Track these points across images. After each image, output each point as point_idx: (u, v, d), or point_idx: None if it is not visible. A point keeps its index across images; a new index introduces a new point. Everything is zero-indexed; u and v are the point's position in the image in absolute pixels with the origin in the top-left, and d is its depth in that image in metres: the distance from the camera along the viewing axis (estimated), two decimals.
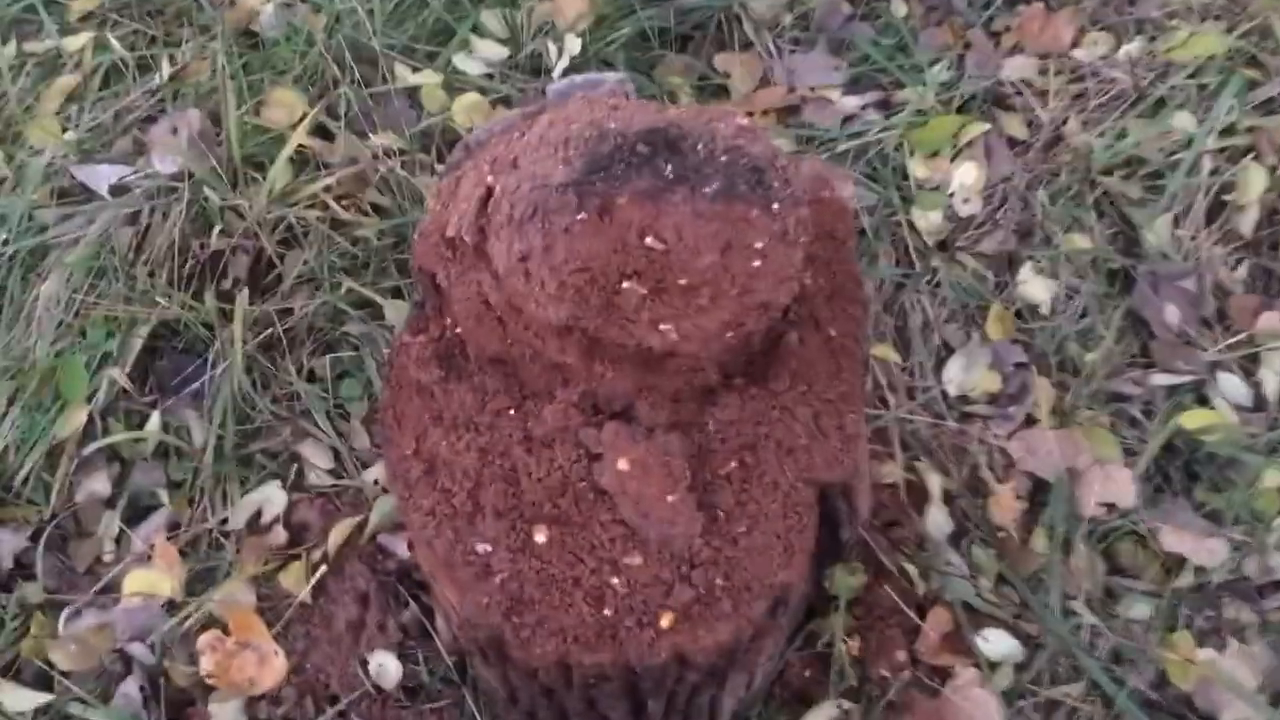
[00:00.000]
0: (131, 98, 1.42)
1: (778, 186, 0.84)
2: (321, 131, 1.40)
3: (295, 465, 1.30)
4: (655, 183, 0.81)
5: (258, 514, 1.28)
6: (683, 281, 0.82)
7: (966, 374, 1.36)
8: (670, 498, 0.87)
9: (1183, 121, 1.45)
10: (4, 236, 1.36)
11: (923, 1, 1.57)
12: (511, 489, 0.89)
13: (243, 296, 1.32)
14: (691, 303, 0.82)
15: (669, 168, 0.82)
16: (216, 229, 1.33)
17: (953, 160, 1.48)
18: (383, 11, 1.44)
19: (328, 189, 1.35)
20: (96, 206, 1.36)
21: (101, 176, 1.36)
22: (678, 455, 0.88)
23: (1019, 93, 1.51)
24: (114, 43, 1.45)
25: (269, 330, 1.32)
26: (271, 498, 1.29)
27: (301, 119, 1.37)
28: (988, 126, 1.48)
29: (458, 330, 0.94)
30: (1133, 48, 1.52)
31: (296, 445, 1.30)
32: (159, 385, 1.33)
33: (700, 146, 0.84)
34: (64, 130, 1.43)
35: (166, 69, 1.44)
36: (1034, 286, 1.41)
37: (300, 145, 1.37)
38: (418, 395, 0.95)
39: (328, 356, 1.32)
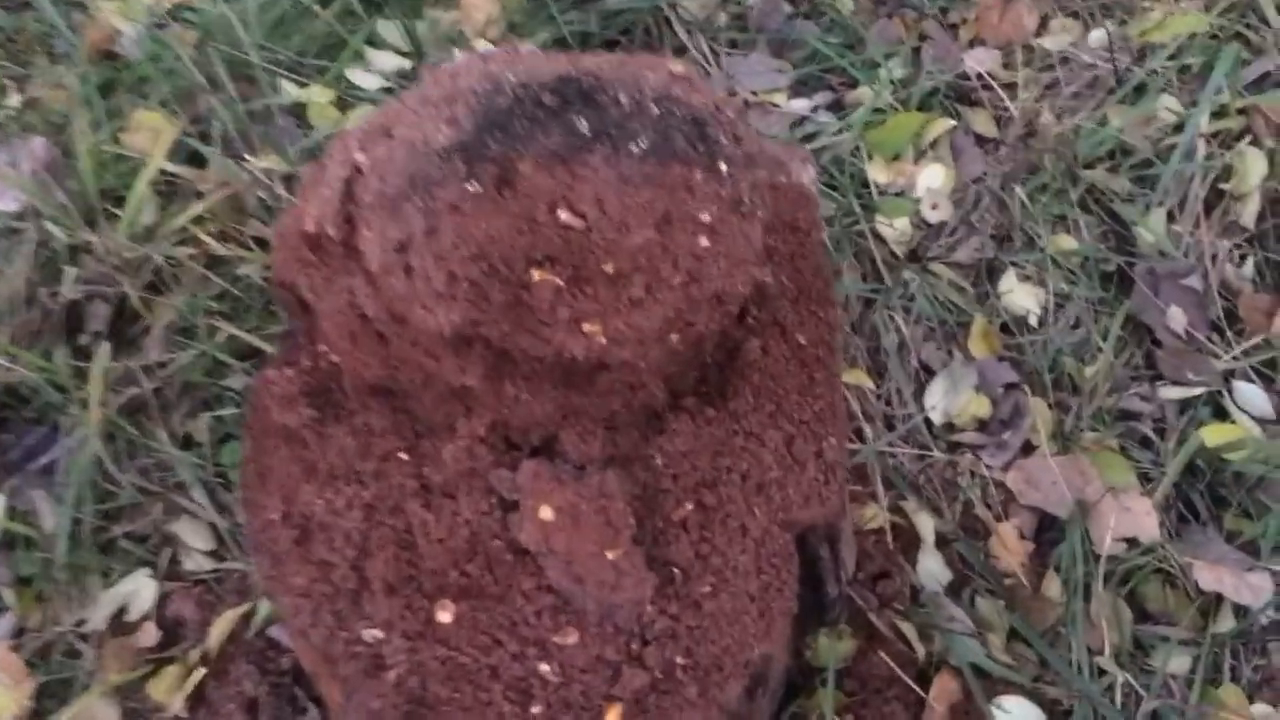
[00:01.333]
0: None
1: (725, 143, 0.66)
2: (195, 158, 1.20)
3: (168, 549, 1.08)
4: (568, 141, 0.63)
5: (122, 611, 1.06)
6: (609, 268, 0.63)
7: (951, 398, 1.18)
8: (611, 554, 0.68)
9: (1168, 106, 1.30)
10: None
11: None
12: (406, 555, 0.69)
13: (102, 352, 1.11)
14: (622, 295, 0.63)
15: (584, 123, 0.64)
16: (70, 274, 1.13)
17: (916, 162, 1.31)
18: (263, 23, 1.26)
19: (199, 220, 1.15)
20: None
21: None
22: (617, 498, 0.68)
23: (985, 86, 1.36)
24: None
25: (133, 390, 1.11)
26: (139, 590, 1.07)
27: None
28: (953, 123, 1.33)
29: (333, 358, 0.74)
30: (1103, 33, 1.38)
31: (169, 525, 1.09)
32: (1, 462, 1.11)
33: (623, 98, 0.66)
34: None
35: (15, 100, 1.24)
36: (1019, 295, 1.24)
37: (169, 174, 1.18)
38: (285, 444, 0.74)
39: (205, 417, 1.11)
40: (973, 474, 1.15)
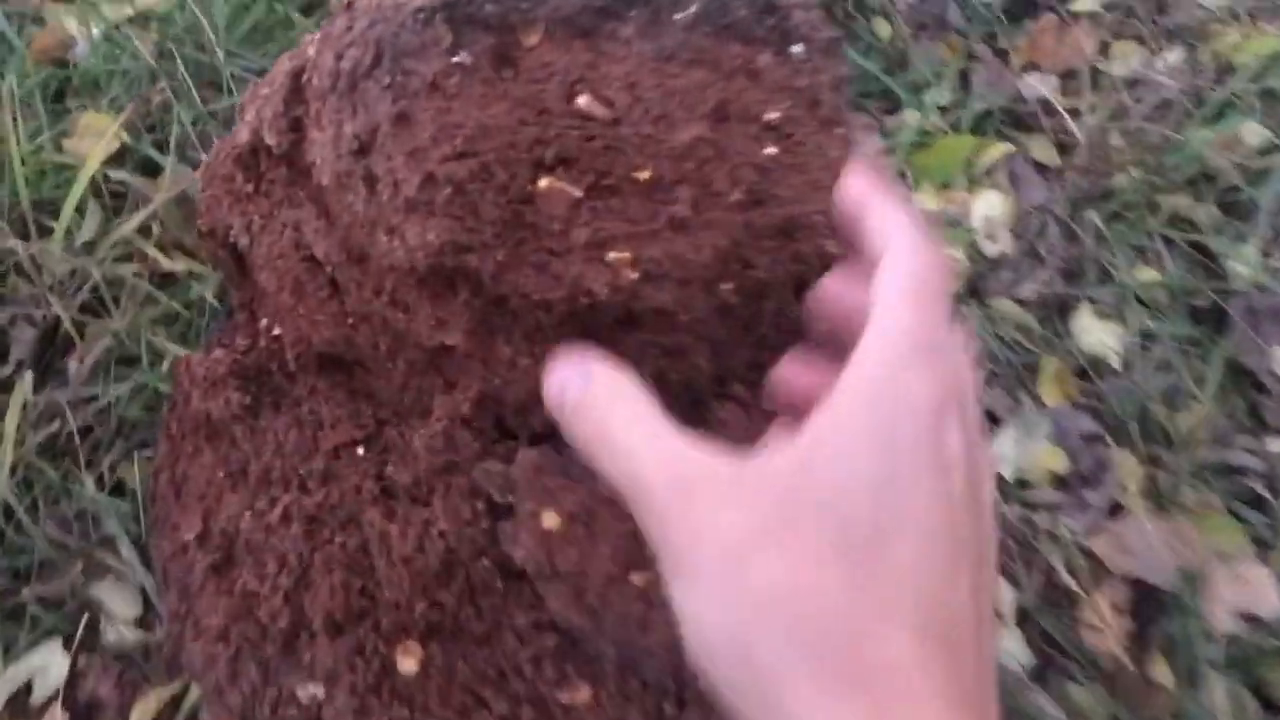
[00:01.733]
0: None
1: (801, 21, 0.50)
2: (148, 167, 1.05)
3: (85, 616, 0.89)
4: (590, 3, 0.47)
5: (26, 690, 0.86)
6: (643, 174, 0.46)
7: (1023, 450, 1.01)
8: (637, 578, 0.49)
9: (1251, 130, 1.15)
10: None
11: (910, 20, 1.28)
12: (359, 582, 0.51)
13: (24, 383, 0.94)
14: (660, 213, 0.46)
15: None
16: None
17: (969, 190, 1.16)
18: (235, 30, 1.12)
19: (146, 232, 0.98)
20: None
21: None
22: None
23: (1046, 111, 1.21)
24: None
25: (56, 426, 0.93)
26: (48, 665, 0.87)
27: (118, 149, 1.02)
28: (1010, 148, 1.18)
29: (275, 332, 0.57)
30: (1173, 56, 1.24)
31: (89, 588, 0.90)
32: None
33: None
34: None
35: None
36: (1096, 334, 1.07)
37: (116, 183, 1.02)
38: (208, 444, 0.56)
39: (139, 457, 0.93)
40: (1052, 537, 0.97)
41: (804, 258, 0.51)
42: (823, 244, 0.51)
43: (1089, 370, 1.06)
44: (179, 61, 1.07)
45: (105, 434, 0.95)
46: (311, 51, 0.51)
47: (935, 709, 0.32)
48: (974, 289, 1.10)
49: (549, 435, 0.50)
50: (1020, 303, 1.09)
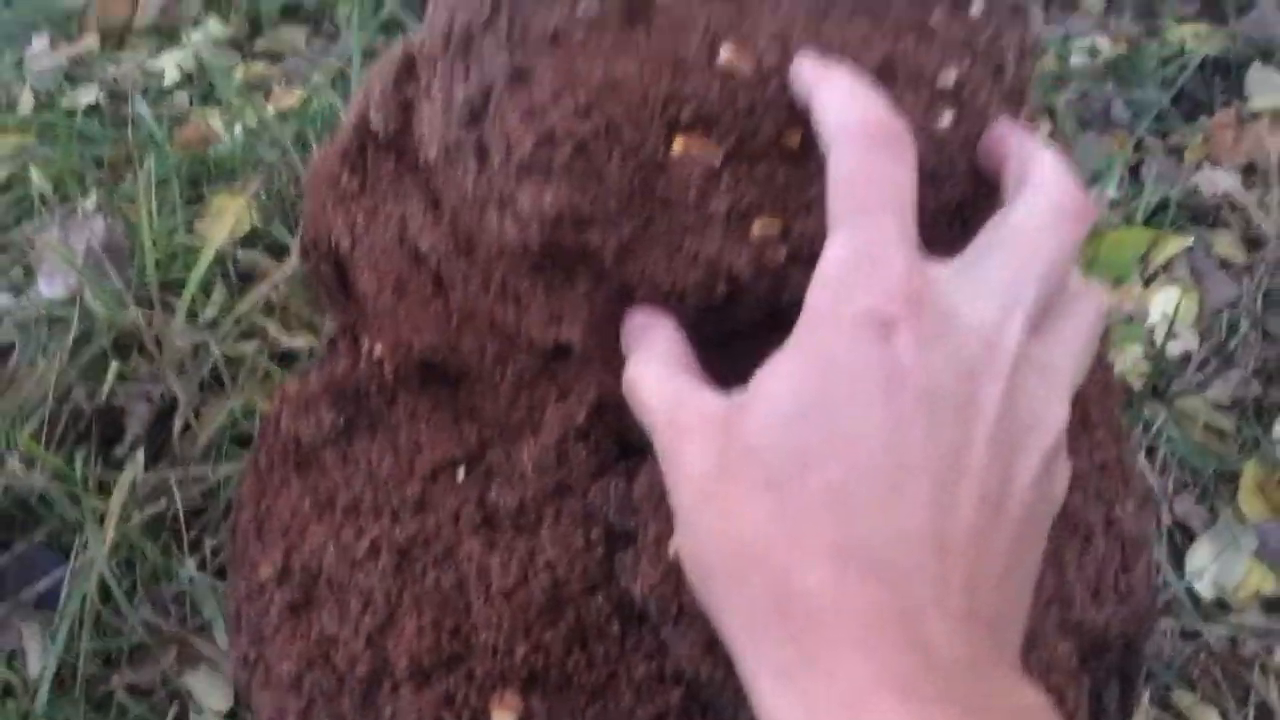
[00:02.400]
0: (37, 224, 1.08)
1: None
2: (276, 249, 1.03)
3: (175, 706, 0.83)
4: None
5: None
6: (792, 140, 0.39)
7: (1224, 568, 0.88)
8: None
9: None
10: None
11: (1073, 117, 1.21)
12: (451, 621, 0.43)
13: (134, 460, 0.91)
14: (813, 184, 0.39)
15: None
16: (112, 370, 0.94)
17: (1147, 285, 1.06)
18: None
19: (267, 309, 0.96)
20: None
21: None
22: None
23: (1230, 205, 1.11)
24: (34, 175, 1.13)
25: (163, 505, 0.89)
26: None
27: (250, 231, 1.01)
28: (1189, 242, 1.08)
29: (376, 352, 0.50)
30: None
31: (181, 676, 0.84)
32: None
33: None
34: None
35: (93, 200, 1.10)
36: None
37: (246, 264, 1.00)
38: (297, 474, 0.50)
39: None
40: (1262, 668, 0.83)
41: None
42: None
43: None
44: (314, 148, 1.06)
45: (213, 515, 0.91)
46: (416, 42, 0.46)
47: (852, 640, 0.31)
48: (1157, 389, 0.99)
49: None
50: (1213, 405, 0.98)
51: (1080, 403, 0.51)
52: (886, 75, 0.40)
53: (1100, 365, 0.56)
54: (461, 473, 0.46)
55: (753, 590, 0.32)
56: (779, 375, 0.34)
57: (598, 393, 0.42)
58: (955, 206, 0.41)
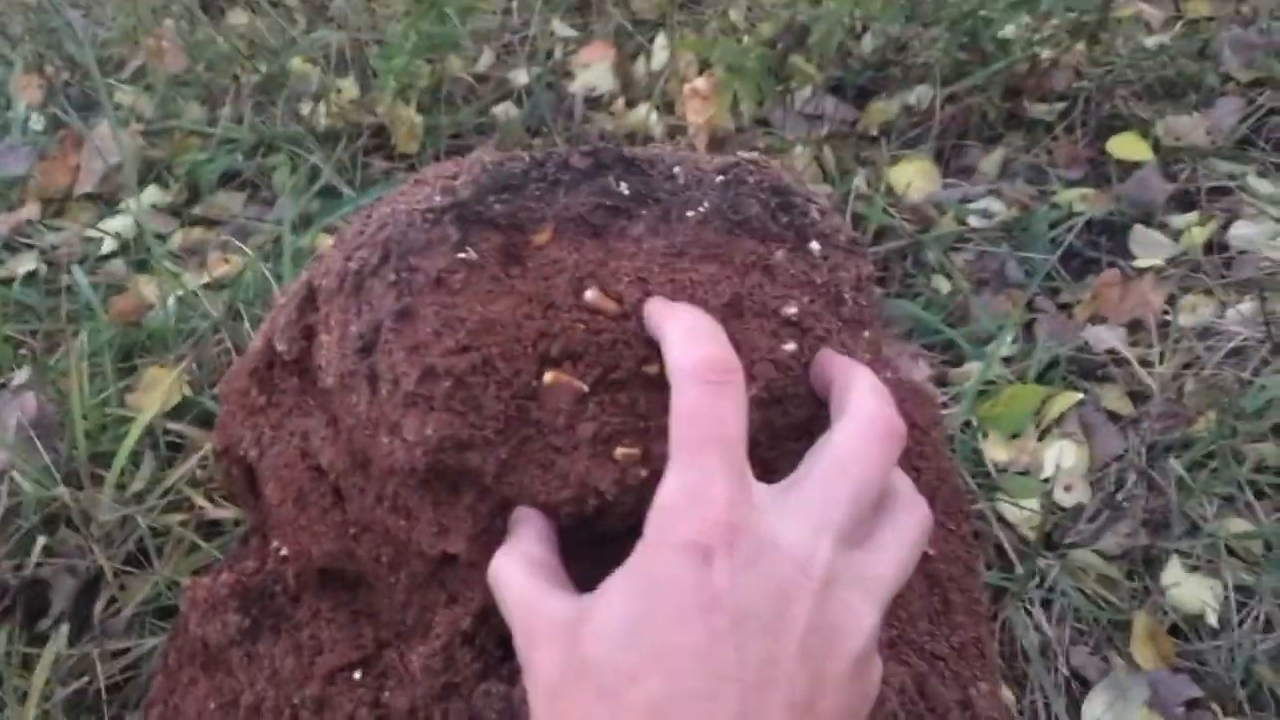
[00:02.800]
0: None
1: (817, 218, 0.49)
2: (206, 419, 1.06)
3: None
4: (600, 203, 0.46)
5: None
6: (653, 369, 0.44)
7: (1116, 717, 0.91)
8: None
9: None
10: None
11: (969, 277, 1.28)
12: None
13: (59, 636, 0.91)
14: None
15: (624, 186, 0.47)
16: (39, 544, 0.96)
17: (1040, 439, 1.12)
18: None
19: (194, 481, 0.98)
20: None
21: None
22: None
23: (1115, 361, 1.18)
24: None
25: (84, 680, 0.90)
26: None
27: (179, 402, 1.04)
28: (1080, 397, 1.14)
29: (283, 552, 0.54)
30: (1245, 307, 1.21)
31: None
32: None
33: (678, 168, 0.50)
34: None
35: (24, 373, 1.13)
36: (1190, 589, 0.99)
37: (174, 434, 1.03)
38: (203, 673, 0.53)
39: None
40: None
41: None
42: None
43: (1184, 629, 0.97)
44: (245, 321, 1.10)
45: (134, 691, 0.91)
46: (321, 266, 0.51)
47: None
48: (1051, 541, 1.03)
49: None
50: (1103, 556, 1.03)
51: (939, 587, 0.56)
52: (735, 310, 0.45)
53: (965, 546, 0.60)
54: (358, 674, 0.49)
55: None
56: (614, 593, 0.39)
57: (483, 599, 0.46)
58: (802, 424, 0.46)
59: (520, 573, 0.42)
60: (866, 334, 0.49)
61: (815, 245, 0.47)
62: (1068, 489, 1.07)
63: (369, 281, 0.45)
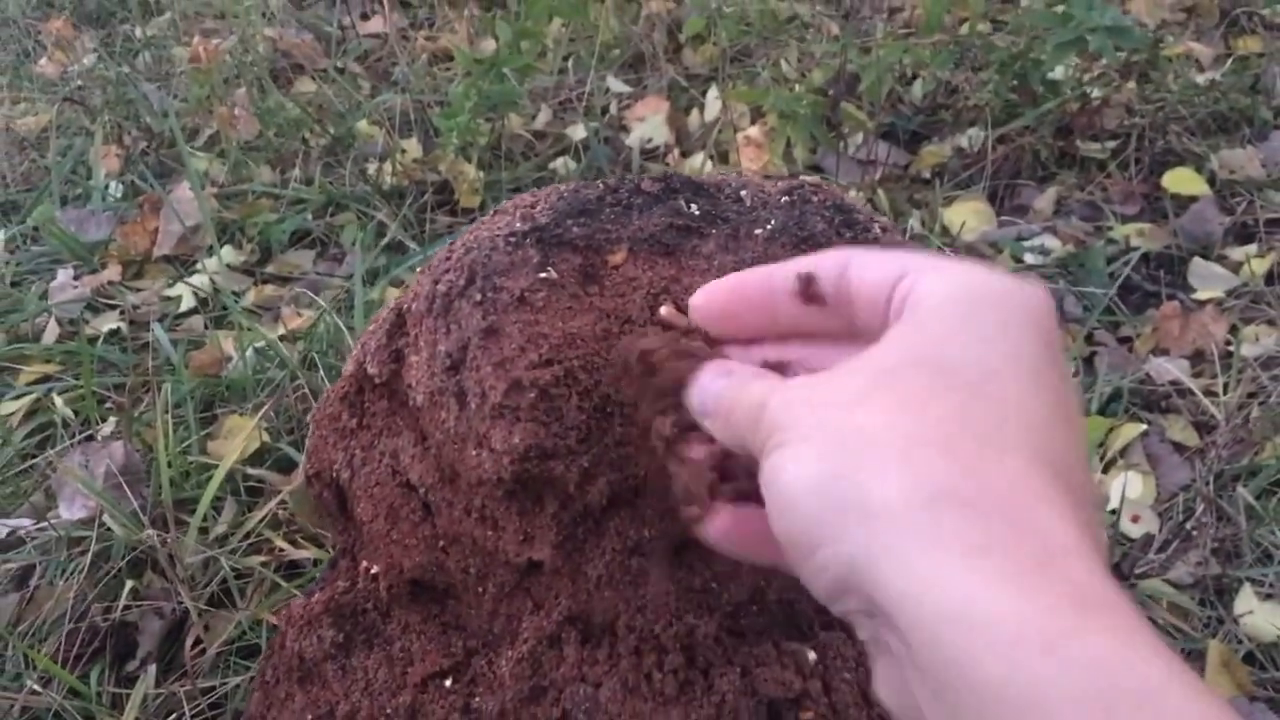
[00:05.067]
0: (59, 450, 1.15)
1: (879, 234, 0.51)
2: (284, 464, 1.09)
3: None
4: (673, 224, 0.49)
5: None
6: None
7: None
8: None
9: None
10: None
11: None
12: None
13: (146, 675, 0.95)
14: None
15: (694, 208, 0.50)
16: (127, 588, 0.99)
17: (1105, 471, 1.12)
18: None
19: (274, 523, 1.01)
20: None
21: None
22: None
23: (1179, 392, 1.18)
24: (58, 403, 1.21)
25: (173, 717, 0.92)
26: None
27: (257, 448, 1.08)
28: (1144, 428, 1.14)
29: (373, 570, 0.56)
30: None
31: None
32: None
33: (744, 192, 0.52)
34: None
35: (110, 425, 1.17)
36: (1263, 617, 0.98)
37: (254, 480, 1.07)
38: (299, 688, 0.55)
39: None
40: None
41: None
42: None
43: (1259, 657, 0.97)
44: (319, 369, 1.14)
45: None
46: (409, 297, 0.54)
47: (1062, 521, 0.30)
48: (1120, 572, 1.03)
49: (639, 653, 0.48)
50: (1174, 585, 1.02)
51: None
52: None
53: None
54: (449, 681, 0.51)
55: (933, 481, 0.31)
56: (948, 319, 0.35)
57: (568, 606, 0.48)
58: None
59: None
60: None
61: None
62: (1135, 520, 1.07)
63: (456, 302, 0.48)
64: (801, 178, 0.54)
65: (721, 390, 0.38)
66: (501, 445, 0.45)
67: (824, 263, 0.39)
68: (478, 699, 0.50)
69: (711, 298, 0.41)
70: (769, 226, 0.49)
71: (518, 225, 0.49)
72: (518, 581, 0.49)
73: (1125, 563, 1.04)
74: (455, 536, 0.51)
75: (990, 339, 0.34)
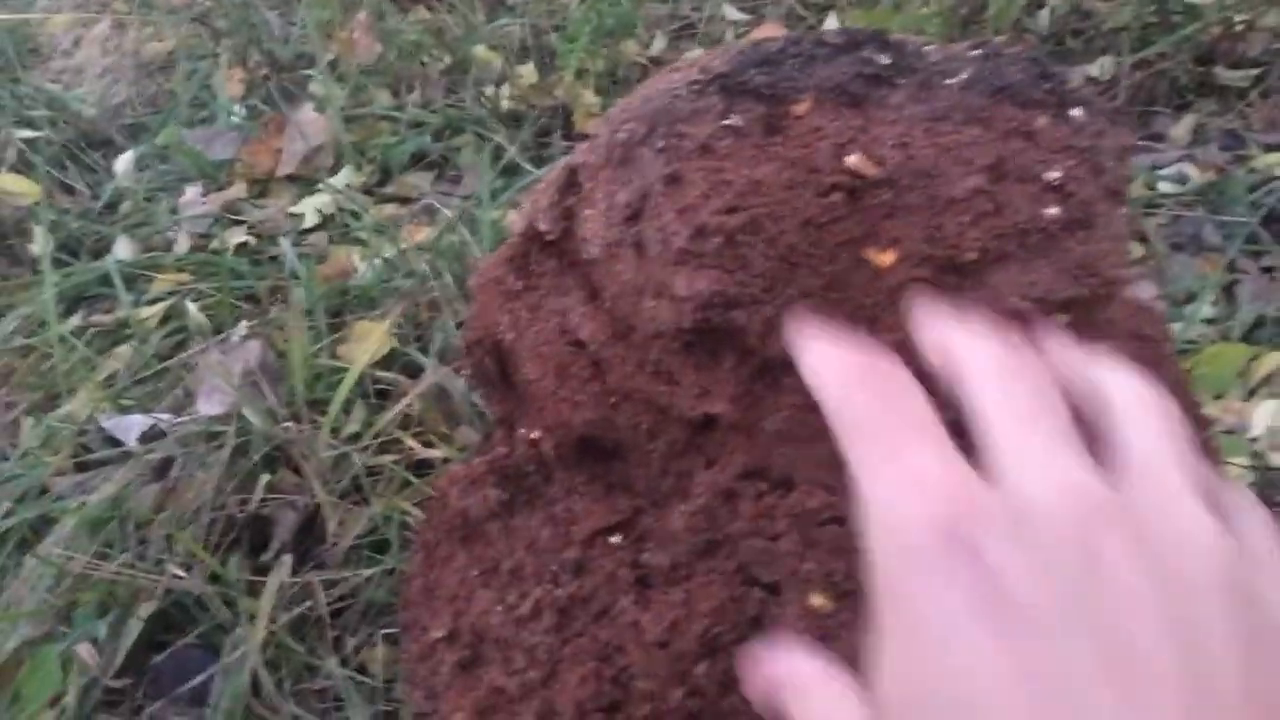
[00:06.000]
0: (193, 351, 1.17)
1: (1077, 87, 0.49)
2: (411, 369, 1.11)
3: None
4: (860, 74, 0.48)
5: None
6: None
7: None
8: None
9: None
10: (7, 506, 1.06)
11: (1163, 242, 1.25)
12: (610, 671, 0.48)
13: (282, 564, 0.97)
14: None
15: (882, 58, 0.49)
16: (262, 481, 1.01)
17: (1247, 399, 1.08)
18: (494, 248, 1.20)
19: (404, 424, 1.03)
20: (120, 461, 1.06)
21: (131, 426, 1.08)
22: None
23: None
24: (191, 309, 1.24)
25: (306, 605, 0.95)
26: None
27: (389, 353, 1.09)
28: None
29: (534, 435, 0.56)
30: None
31: None
32: (154, 683, 0.94)
33: (928, 49, 0.51)
34: (116, 396, 1.17)
35: (243, 328, 1.20)
36: None
37: (383, 383, 1.08)
38: (462, 546, 0.56)
39: (383, 639, 0.93)
40: None
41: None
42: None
43: None
44: (447, 277, 1.15)
45: (353, 617, 0.96)
46: (579, 156, 0.53)
47: None
48: (1266, 500, 1.00)
49: (819, 511, 0.47)
50: None
51: None
52: (997, 173, 0.45)
53: (1205, 446, 0.59)
54: (618, 538, 0.51)
55: None
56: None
57: (744, 461, 0.47)
58: (1063, 302, 0.46)
59: None
60: (1123, 209, 0.48)
61: (1077, 112, 0.47)
62: (1279, 449, 1.03)
63: (637, 150, 0.47)
64: (988, 38, 0.52)
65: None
66: (685, 291, 0.45)
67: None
68: (647, 553, 0.49)
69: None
70: (962, 77, 0.47)
71: (698, 75, 0.48)
72: (690, 438, 0.49)
73: (1267, 492, 1.01)
74: (627, 393, 0.50)
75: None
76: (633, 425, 0.51)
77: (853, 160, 0.45)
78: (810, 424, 0.46)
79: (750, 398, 0.47)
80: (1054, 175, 0.46)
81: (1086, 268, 0.46)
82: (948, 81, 0.47)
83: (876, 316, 0.45)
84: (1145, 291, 0.69)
